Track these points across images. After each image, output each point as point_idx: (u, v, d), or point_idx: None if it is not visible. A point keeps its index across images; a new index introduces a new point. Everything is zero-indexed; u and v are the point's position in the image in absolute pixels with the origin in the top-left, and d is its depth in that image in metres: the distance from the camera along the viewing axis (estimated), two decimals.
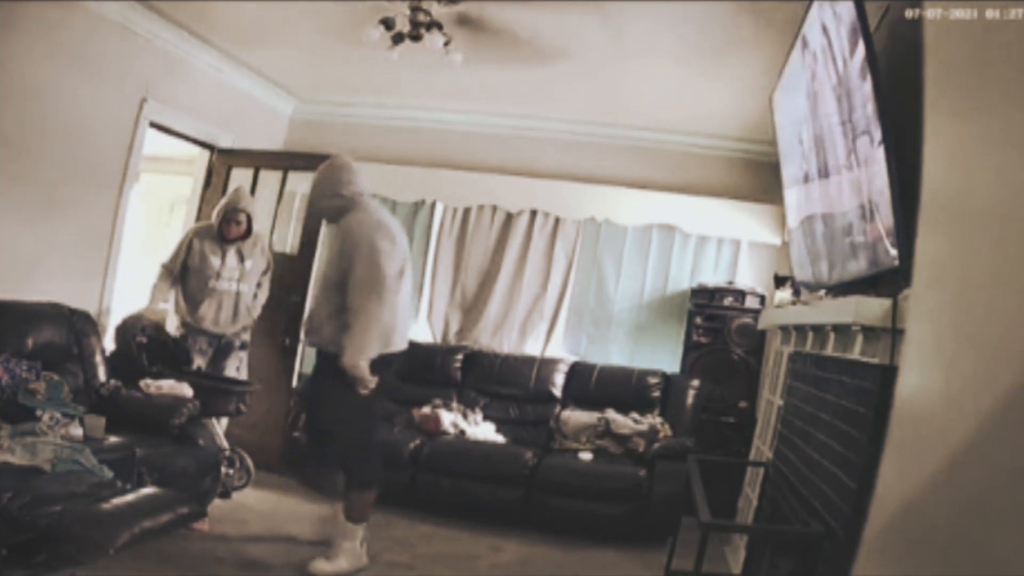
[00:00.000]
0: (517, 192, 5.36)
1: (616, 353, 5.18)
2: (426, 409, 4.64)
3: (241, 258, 4.23)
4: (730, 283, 4.99)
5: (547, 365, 4.92)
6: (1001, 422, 1.33)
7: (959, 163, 1.74)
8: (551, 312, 5.29)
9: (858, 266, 2.35)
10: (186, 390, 3.70)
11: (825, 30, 2.45)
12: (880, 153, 2.04)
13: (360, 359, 3.10)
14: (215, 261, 4.16)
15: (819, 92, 2.62)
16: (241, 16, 4.11)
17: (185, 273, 4.18)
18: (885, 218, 2.05)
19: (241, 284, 4.23)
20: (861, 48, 2.10)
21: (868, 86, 2.08)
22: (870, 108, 2.08)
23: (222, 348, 4.26)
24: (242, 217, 4.19)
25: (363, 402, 3.20)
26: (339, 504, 3.30)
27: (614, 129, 5.30)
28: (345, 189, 3.26)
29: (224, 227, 4.17)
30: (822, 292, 2.99)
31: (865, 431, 1.98)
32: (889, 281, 2.12)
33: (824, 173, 2.69)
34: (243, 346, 4.35)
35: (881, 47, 2.24)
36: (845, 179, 2.41)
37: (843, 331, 2.41)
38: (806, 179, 3.01)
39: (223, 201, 4.27)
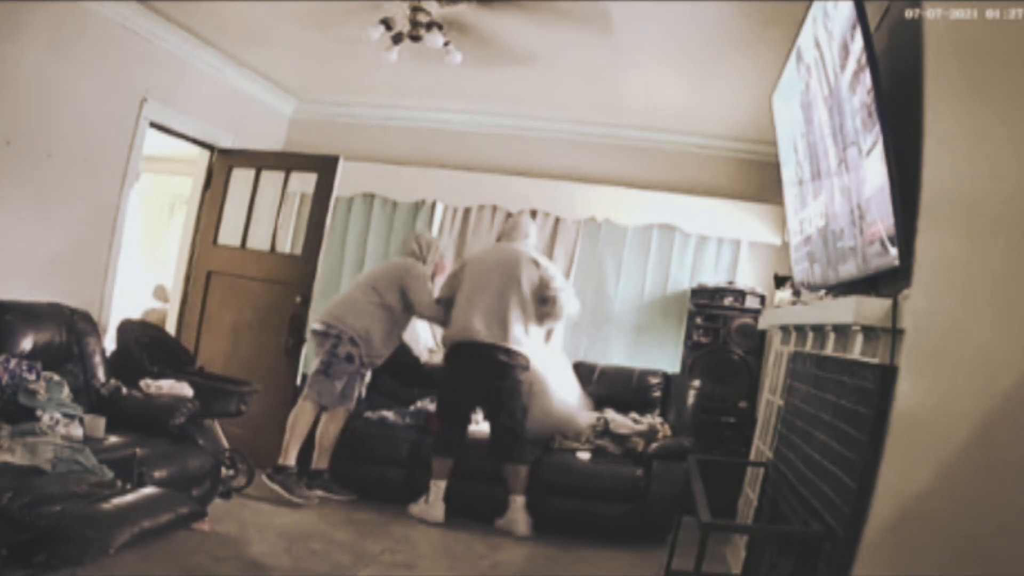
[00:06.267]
0: (517, 192, 5.35)
1: (616, 353, 5.18)
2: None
3: None
4: (730, 283, 4.98)
5: None
6: (1001, 422, 1.33)
7: (959, 162, 1.74)
8: None
9: (849, 269, 2.38)
10: (186, 390, 3.70)
11: (818, 44, 2.50)
12: (868, 163, 2.09)
13: None
14: None
15: (812, 102, 2.66)
16: (241, 16, 4.11)
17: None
18: (876, 222, 2.06)
19: None
20: (852, 62, 2.14)
21: (857, 99, 2.12)
22: (859, 120, 2.12)
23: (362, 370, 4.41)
24: None
25: (444, 386, 4.28)
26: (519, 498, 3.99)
27: (614, 129, 5.29)
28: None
29: (440, 264, 4.59)
30: (822, 292, 2.99)
31: (865, 431, 1.99)
32: (889, 281, 2.12)
33: (818, 179, 2.73)
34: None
35: (881, 48, 2.25)
36: (836, 186, 2.47)
37: (843, 331, 2.41)
38: (801, 183, 3.04)
39: (434, 241, 4.58)
